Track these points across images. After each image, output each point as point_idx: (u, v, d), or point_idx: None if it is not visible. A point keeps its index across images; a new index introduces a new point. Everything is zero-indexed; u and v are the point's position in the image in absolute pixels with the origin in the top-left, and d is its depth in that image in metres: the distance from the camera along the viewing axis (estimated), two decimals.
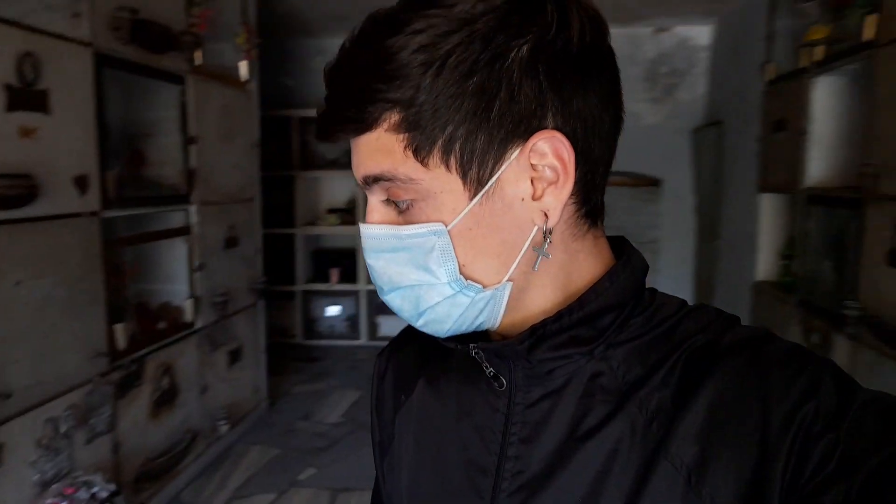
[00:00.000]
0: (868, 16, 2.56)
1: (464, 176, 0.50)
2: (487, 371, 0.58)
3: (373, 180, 0.52)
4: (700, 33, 5.13)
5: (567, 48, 0.49)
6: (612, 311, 0.54)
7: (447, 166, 0.50)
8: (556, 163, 0.51)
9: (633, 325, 0.54)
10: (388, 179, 0.51)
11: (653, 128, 5.21)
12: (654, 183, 5.25)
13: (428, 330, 0.56)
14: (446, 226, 0.51)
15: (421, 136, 0.49)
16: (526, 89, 0.49)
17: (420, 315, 0.55)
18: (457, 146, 0.49)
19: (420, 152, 0.49)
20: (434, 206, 0.51)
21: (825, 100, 3.09)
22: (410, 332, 0.72)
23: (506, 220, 0.52)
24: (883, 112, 2.48)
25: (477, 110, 0.48)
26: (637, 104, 5.22)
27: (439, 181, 0.50)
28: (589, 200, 0.55)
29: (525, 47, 0.48)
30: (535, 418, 0.55)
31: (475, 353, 0.57)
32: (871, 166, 2.48)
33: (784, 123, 3.43)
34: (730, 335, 0.52)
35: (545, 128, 0.50)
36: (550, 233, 0.53)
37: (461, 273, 0.52)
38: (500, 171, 0.50)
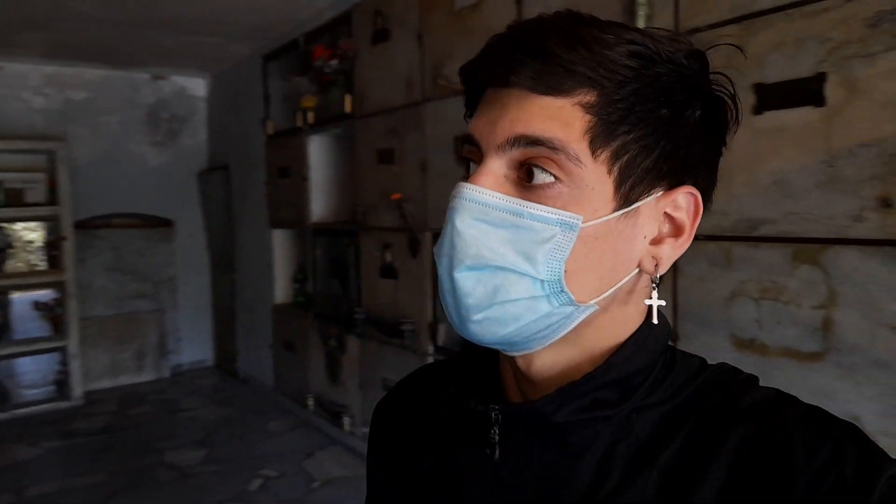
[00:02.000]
0: (346, 94, 3.43)
1: (618, 185, 0.49)
2: (492, 437, 0.54)
3: (529, 142, 0.48)
4: (197, 84, 5.53)
5: (725, 125, 0.53)
6: (639, 374, 0.52)
7: (609, 169, 0.49)
8: (685, 219, 0.52)
9: (660, 390, 0.53)
10: (554, 148, 0.47)
11: (159, 170, 5.35)
12: (166, 223, 5.38)
13: (479, 329, 0.51)
14: (583, 222, 0.49)
15: (605, 127, 0.48)
16: (697, 145, 0.51)
17: (487, 307, 0.50)
18: (626, 156, 0.49)
19: (596, 141, 0.48)
20: (578, 198, 0.48)
21: (319, 153, 3.91)
22: (409, 386, 0.71)
23: (625, 247, 0.51)
24: (360, 167, 3.37)
25: (658, 137, 0.49)
26: (141, 146, 5.28)
27: (596, 177, 0.48)
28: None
29: (708, 110, 0.51)
30: (552, 483, 0.52)
31: (494, 415, 0.54)
32: (361, 205, 3.34)
33: (287, 170, 4.14)
34: (749, 397, 0.50)
35: (691, 184, 0.52)
36: (660, 281, 0.53)
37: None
38: (645, 200, 0.50)
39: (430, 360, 2.95)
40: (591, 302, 0.50)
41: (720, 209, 1.74)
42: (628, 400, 0.51)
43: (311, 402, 3.95)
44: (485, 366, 0.61)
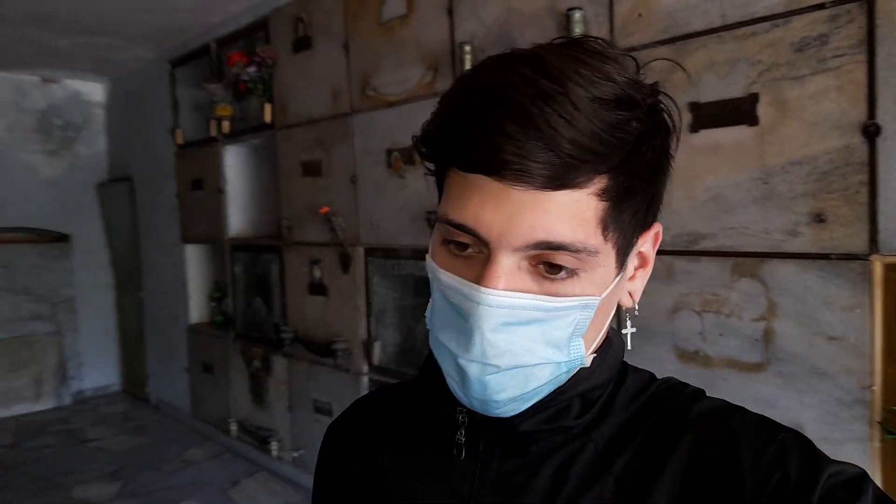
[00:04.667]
0: (266, 103, 3.29)
1: (618, 253, 0.50)
2: (458, 438, 0.56)
3: (554, 247, 0.46)
4: (93, 89, 5.15)
5: (670, 148, 0.52)
6: (599, 388, 0.55)
7: (615, 243, 0.49)
8: (651, 251, 0.55)
9: (617, 403, 0.55)
10: (577, 251, 0.46)
11: (53, 181, 4.94)
12: (61, 238, 4.97)
13: (504, 410, 0.51)
14: (597, 298, 0.49)
15: (616, 209, 0.47)
16: (664, 185, 0.52)
17: (517, 395, 0.50)
18: (625, 225, 0.49)
19: (609, 226, 0.47)
20: (592, 279, 0.48)
21: (236, 165, 3.73)
22: (364, 406, 0.71)
23: (616, 298, 0.53)
24: (284, 179, 3.24)
25: (649, 196, 0.50)
26: (32, 156, 4.85)
27: (604, 255, 0.48)
28: None
29: (671, 146, 0.51)
30: (512, 489, 0.53)
31: (460, 418, 0.56)
32: (286, 219, 3.20)
33: (202, 183, 3.92)
34: (698, 406, 0.52)
35: (657, 220, 0.54)
36: (636, 314, 0.56)
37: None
38: (632, 253, 0.52)
39: (366, 379, 2.86)
40: (591, 350, 0.53)
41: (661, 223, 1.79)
42: (589, 411, 0.54)
43: (234, 427, 3.75)
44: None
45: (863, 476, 0.45)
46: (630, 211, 0.49)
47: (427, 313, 0.55)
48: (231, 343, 3.77)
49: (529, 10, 2.10)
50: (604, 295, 0.49)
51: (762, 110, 1.59)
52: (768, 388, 1.60)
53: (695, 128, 1.71)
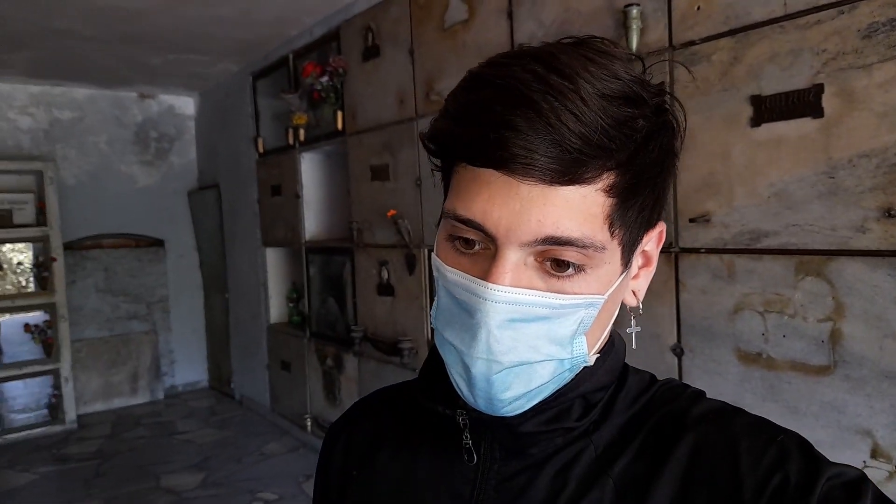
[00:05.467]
0: (338, 111, 3.41)
1: (624, 251, 0.50)
2: (465, 442, 0.56)
3: (561, 242, 0.46)
4: (185, 103, 5.50)
5: (675, 146, 0.52)
6: (601, 390, 0.55)
7: (620, 240, 0.49)
8: (654, 250, 0.55)
9: (615, 403, 0.55)
10: (584, 246, 0.46)
11: (149, 190, 5.30)
12: (157, 243, 5.33)
13: (509, 409, 0.51)
14: (603, 296, 0.49)
15: (623, 206, 0.47)
16: (670, 180, 0.52)
17: (522, 393, 0.50)
18: (631, 222, 0.49)
19: (615, 223, 0.47)
20: (598, 276, 0.48)
21: (311, 171, 3.88)
22: (366, 406, 0.71)
23: (620, 296, 0.53)
24: (355, 183, 3.35)
25: (653, 190, 0.50)
26: (131, 167, 5.23)
27: (611, 253, 0.48)
28: None
29: (675, 146, 0.51)
30: (512, 492, 0.53)
31: (461, 420, 0.55)
32: (356, 223, 3.31)
33: (280, 189, 4.11)
34: (697, 408, 0.52)
35: (661, 219, 0.54)
36: (641, 313, 0.56)
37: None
38: (637, 251, 0.52)
39: None
40: (595, 350, 0.53)
41: (721, 222, 1.73)
42: (590, 412, 0.54)
43: (309, 422, 3.91)
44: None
45: (862, 478, 0.45)
46: (636, 208, 0.49)
47: (432, 311, 0.54)
48: (306, 342, 3.93)
49: (587, 8, 2.10)
50: (609, 293, 0.50)
51: (827, 102, 1.52)
52: (835, 393, 1.52)
53: (756, 122, 1.65)
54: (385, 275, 3.14)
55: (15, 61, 4.19)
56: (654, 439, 0.52)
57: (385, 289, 3.15)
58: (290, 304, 4.33)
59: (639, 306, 0.56)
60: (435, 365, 0.59)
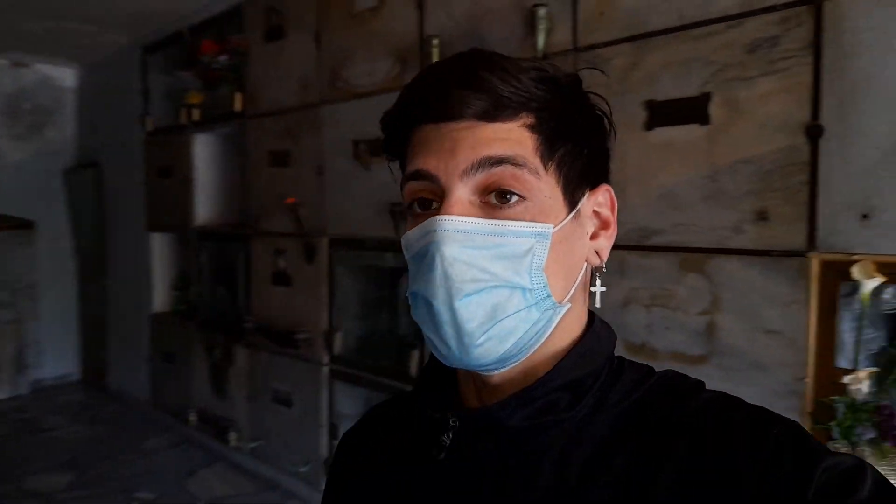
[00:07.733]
0: (236, 92, 3.27)
1: (565, 192, 0.55)
2: (443, 440, 0.58)
3: (494, 162, 0.52)
4: (65, 74, 5.07)
5: (607, 135, 0.61)
6: (588, 378, 0.56)
7: (557, 179, 0.55)
8: (609, 213, 0.60)
9: (611, 394, 0.56)
10: (518, 164, 0.52)
11: (19, 166, 4.85)
12: (26, 225, 4.88)
13: (482, 351, 0.53)
14: (549, 226, 0.54)
15: (547, 143, 0.54)
16: (605, 150, 0.61)
17: (490, 327, 0.52)
18: (566, 166, 0.55)
19: (544, 156, 0.54)
20: (541, 209, 0.53)
21: (205, 153, 3.70)
22: (377, 414, 0.73)
23: (577, 245, 0.57)
24: (253, 168, 3.22)
25: (583, 146, 0.57)
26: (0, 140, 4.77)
27: (549, 188, 0.54)
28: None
29: (604, 117, 0.60)
30: (509, 489, 0.54)
31: (452, 421, 0.58)
32: (253, 209, 3.19)
33: (169, 170, 3.88)
34: (696, 399, 0.53)
35: (607, 182, 0.61)
36: (604, 271, 0.60)
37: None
38: (582, 201, 0.58)
39: (326, 369, 2.86)
40: (565, 300, 0.56)
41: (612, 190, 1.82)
42: (579, 403, 0.55)
43: (193, 416, 3.71)
44: (443, 378, 0.63)
45: (859, 466, 0.46)
46: (566, 152, 0.55)
47: (410, 300, 0.57)
48: (193, 332, 3.73)
49: (497, 5, 2.13)
50: (557, 228, 0.54)
51: (714, 110, 1.63)
52: (709, 381, 1.61)
53: (650, 125, 1.75)
54: (282, 264, 3.04)
55: None
56: (654, 431, 0.52)
57: (281, 278, 3.05)
58: (177, 293, 4.10)
59: (602, 265, 0.60)
60: (429, 374, 0.64)
